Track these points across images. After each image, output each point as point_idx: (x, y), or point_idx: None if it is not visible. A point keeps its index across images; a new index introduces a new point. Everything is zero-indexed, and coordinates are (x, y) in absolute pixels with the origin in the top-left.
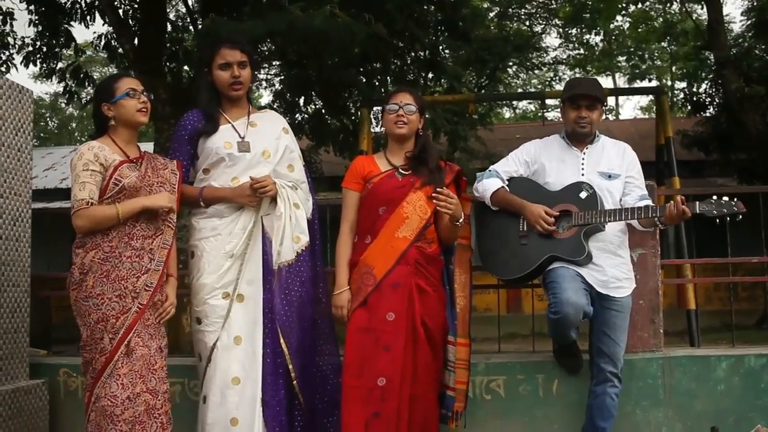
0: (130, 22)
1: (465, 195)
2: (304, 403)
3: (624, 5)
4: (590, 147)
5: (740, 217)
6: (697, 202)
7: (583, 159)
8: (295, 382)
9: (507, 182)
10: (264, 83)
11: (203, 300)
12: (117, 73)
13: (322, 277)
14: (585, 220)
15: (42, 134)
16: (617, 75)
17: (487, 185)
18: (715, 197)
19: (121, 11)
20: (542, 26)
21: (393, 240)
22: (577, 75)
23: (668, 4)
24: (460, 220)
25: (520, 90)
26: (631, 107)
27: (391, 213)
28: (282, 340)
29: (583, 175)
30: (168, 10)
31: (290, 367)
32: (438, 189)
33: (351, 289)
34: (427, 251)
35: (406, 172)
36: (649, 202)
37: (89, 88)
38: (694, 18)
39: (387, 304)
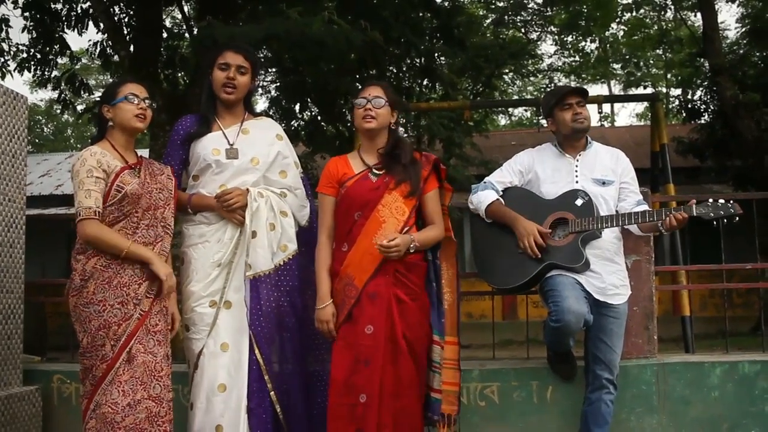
0: (126, 29)
1: (446, 185)
2: (281, 413)
3: (619, 13)
4: (583, 154)
5: (737, 219)
6: (694, 205)
7: (576, 166)
8: (272, 392)
9: (502, 193)
10: (260, 90)
11: (191, 307)
12: (123, 76)
13: None
14: (582, 227)
15: (37, 141)
16: (612, 82)
17: (482, 197)
18: (711, 200)
19: (116, 18)
20: (538, 33)
21: (371, 248)
22: (572, 83)
23: (663, 12)
24: (412, 246)
25: (515, 97)
26: (626, 114)
27: (367, 218)
28: (257, 351)
29: (577, 182)
30: (164, 17)
31: (266, 377)
32: (379, 244)
33: (335, 301)
34: (406, 257)
35: (380, 172)
36: (645, 207)
37: (85, 96)
38: (689, 25)
39: (366, 317)
